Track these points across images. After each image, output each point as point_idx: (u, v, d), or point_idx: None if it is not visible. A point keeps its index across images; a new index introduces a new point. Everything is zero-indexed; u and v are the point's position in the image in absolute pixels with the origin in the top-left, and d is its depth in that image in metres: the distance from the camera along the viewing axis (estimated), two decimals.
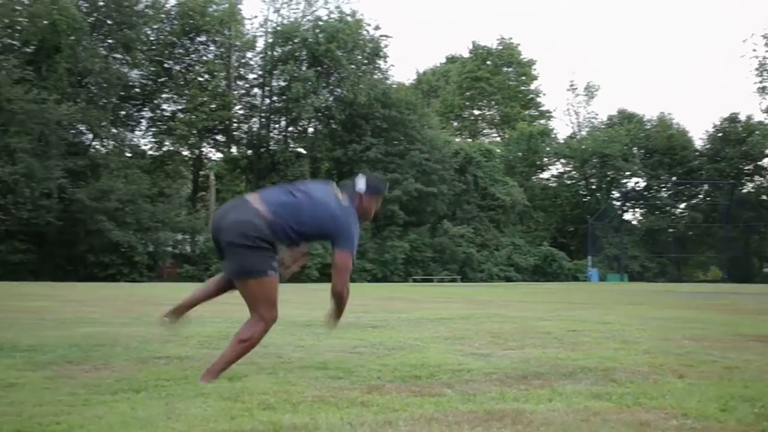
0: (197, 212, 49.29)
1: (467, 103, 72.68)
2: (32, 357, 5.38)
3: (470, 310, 12.78)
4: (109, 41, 49.41)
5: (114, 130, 47.32)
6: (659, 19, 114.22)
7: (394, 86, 55.62)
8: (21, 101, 37.79)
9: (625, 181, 66.61)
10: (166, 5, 51.64)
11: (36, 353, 5.60)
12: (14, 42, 45.19)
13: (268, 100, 54.02)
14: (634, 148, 64.93)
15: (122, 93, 49.30)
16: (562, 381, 4.61)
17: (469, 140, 66.53)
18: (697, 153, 65.81)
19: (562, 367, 5.20)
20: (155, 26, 51.93)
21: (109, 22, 48.75)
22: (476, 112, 75.26)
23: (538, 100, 74.27)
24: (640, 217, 68.83)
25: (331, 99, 51.76)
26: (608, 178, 65.08)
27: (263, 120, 53.87)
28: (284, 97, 51.67)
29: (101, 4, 48.16)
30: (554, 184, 67.29)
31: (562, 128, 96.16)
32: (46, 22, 42.41)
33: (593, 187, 66.33)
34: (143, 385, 4.24)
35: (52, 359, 5.29)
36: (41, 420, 3.31)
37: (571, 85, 72.96)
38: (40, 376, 4.54)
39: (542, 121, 71.37)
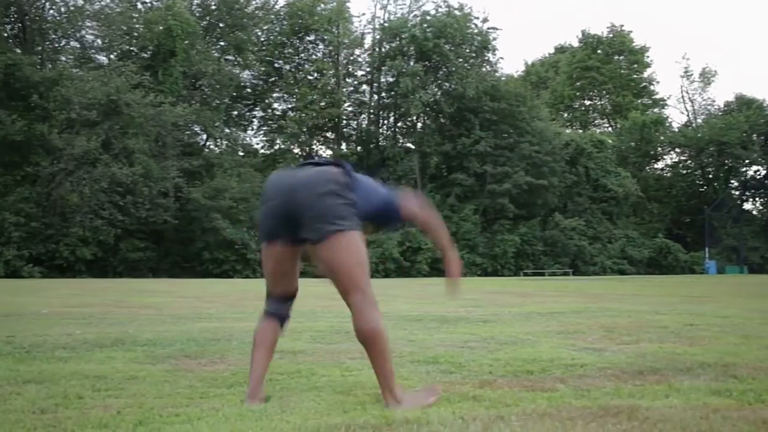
0: None
1: (577, 94, 71.49)
2: (152, 351, 5.55)
3: (583, 303, 12.57)
4: (221, 44, 50.72)
5: (227, 130, 48.53)
6: None
7: (502, 79, 55.24)
8: (139, 105, 39.04)
9: (744, 169, 64.30)
10: (276, 6, 52.64)
11: (155, 347, 5.77)
12: (132, 48, 46.79)
13: (376, 97, 54.39)
14: (754, 135, 62.54)
15: (234, 94, 50.53)
16: (680, 376, 4.48)
17: (580, 131, 65.41)
18: None
19: (680, 362, 5.05)
20: (265, 27, 53.03)
21: (221, 25, 50.05)
22: (587, 103, 73.95)
23: (651, 88, 72.41)
24: (761, 207, 66.33)
25: (439, 93, 51.72)
26: (726, 167, 62.99)
27: (372, 116, 54.30)
28: (392, 92, 51.97)
29: (213, 7, 49.43)
30: (669, 174, 65.53)
31: (676, 116, 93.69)
32: (161, 27, 43.73)
33: (710, 176, 64.33)
34: None
35: (171, 353, 5.45)
36: (161, 411, 3.41)
37: (686, 72, 70.74)
38: (159, 369, 4.68)
39: (656, 110, 69.58)
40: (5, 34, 42.71)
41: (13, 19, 43.92)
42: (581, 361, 5.07)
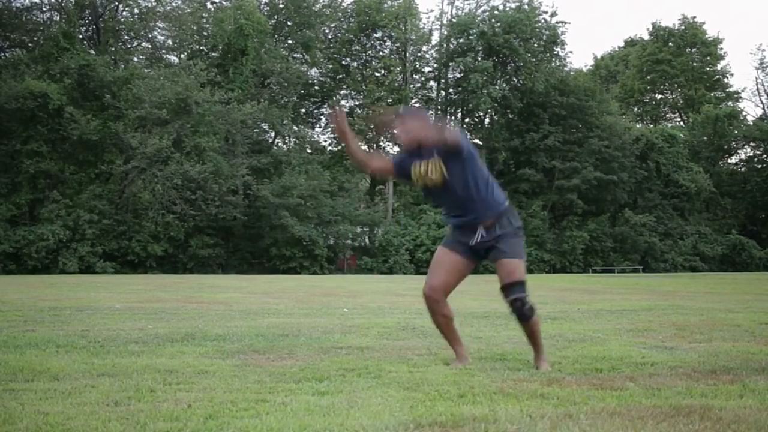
0: (375, 205, 50.20)
1: (648, 88, 70.18)
2: (221, 345, 5.64)
3: (653, 301, 12.38)
4: (289, 42, 51.11)
5: (295, 128, 48.91)
6: None
7: (571, 73, 54.72)
8: (208, 103, 39.54)
9: None
10: (343, 3, 52.88)
11: (225, 342, 5.86)
12: (202, 47, 47.49)
13: (443, 93, 54.27)
14: None
15: (302, 91, 50.89)
16: (755, 376, 4.38)
17: (651, 126, 64.31)
18: None
19: (754, 361, 4.95)
20: (332, 25, 53.31)
21: (289, 23, 50.44)
22: (658, 97, 72.59)
23: (725, 80, 70.68)
24: None
25: (507, 89, 51.34)
26: None
27: (439, 112, 54.19)
28: (460, 88, 51.77)
29: (281, 6, 49.87)
30: (743, 169, 63.89)
31: (751, 110, 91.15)
32: (230, 27, 44.24)
33: None
34: (325, 375, 4.35)
35: (240, 348, 5.52)
36: (231, 406, 3.46)
37: (761, 64, 68.85)
38: (229, 364, 4.75)
39: (729, 103, 67.85)
40: (80, 36, 43.71)
41: (87, 21, 44.96)
42: (652, 360, 5.00)
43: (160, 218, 38.18)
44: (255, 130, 45.00)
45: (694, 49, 69.08)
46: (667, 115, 72.92)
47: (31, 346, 5.46)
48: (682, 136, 59.46)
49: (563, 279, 29.64)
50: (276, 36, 49.89)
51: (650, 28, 70.59)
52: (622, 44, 78.48)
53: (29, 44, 44.08)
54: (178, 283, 21.17)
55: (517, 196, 49.11)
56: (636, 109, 70.60)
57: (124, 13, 46.14)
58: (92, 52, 43.10)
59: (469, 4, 54.16)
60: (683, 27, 68.59)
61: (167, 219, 38.13)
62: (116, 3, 44.83)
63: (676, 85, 69.85)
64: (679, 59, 67.29)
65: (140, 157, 37.77)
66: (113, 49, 45.90)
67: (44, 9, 44.99)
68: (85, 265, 36.47)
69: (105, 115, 39.54)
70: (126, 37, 47.61)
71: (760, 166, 62.93)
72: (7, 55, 43.97)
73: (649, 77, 68.44)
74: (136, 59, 46.99)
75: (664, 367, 4.71)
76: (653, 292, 16.57)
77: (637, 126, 61.24)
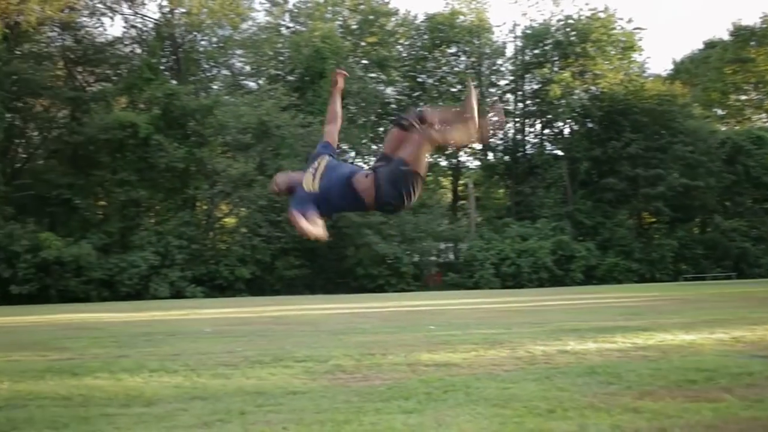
0: (458, 221, 50.01)
1: (732, 89, 68.50)
2: (309, 366, 5.67)
3: (748, 309, 12.02)
4: (365, 62, 51.53)
5: (374, 147, 49.18)
6: None
7: (651, 79, 53.73)
8: (288, 126, 40.11)
9: None
10: (416, 21, 53.11)
11: (313, 362, 5.89)
12: (279, 72, 48.21)
13: (521, 105, 53.93)
14: None
15: (379, 110, 51.19)
16: None
17: (737, 128, 62.63)
18: None
19: None
20: (407, 42, 53.59)
21: (363, 44, 50.88)
22: (743, 98, 70.77)
23: None
24: None
25: (586, 98, 50.78)
26: None
27: (518, 125, 53.87)
28: (538, 99, 51.42)
29: (355, 26, 50.37)
30: None
31: None
32: (306, 50, 44.79)
33: None
34: (413, 393, 4.34)
35: (328, 368, 5.55)
36: (321, 427, 3.47)
37: None
38: (317, 385, 4.78)
39: None
40: (161, 67, 44.84)
41: (168, 52, 46.13)
42: (749, 369, 4.85)
43: (246, 241, 38.76)
44: (336, 152, 45.37)
45: None
46: (753, 117, 71.00)
47: (125, 371, 5.58)
48: None
49: (653, 288, 29.06)
50: (351, 56, 50.39)
51: (731, 28, 69.01)
52: (701, 46, 76.83)
53: (113, 77, 45.41)
54: (266, 305, 21.43)
55: (601, 205, 48.40)
56: (720, 112, 68.93)
57: (203, 42, 47.21)
58: (174, 81, 44.16)
59: (542, 14, 53.86)
60: (765, 25, 66.82)
61: (254, 242, 38.68)
62: (195, 33, 45.90)
63: (760, 85, 68.02)
64: (763, 57, 65.56)
65: (225, 181, 38.47)
66: (194, 77, 46.93)
67: (126, 42, 46.28)
68: (176, 290, 37.19)
69: (189, 143, 40.42)
70: (206, 66, 48.66)
71: None
72: (94, 88, 45.30)
73: (732, 78, 66.81)
74: (216, 86, 47.97)
75: (762, 377, 4.57)
76: (748, 298, 16.11)
77: (722, 129, 59.71)
